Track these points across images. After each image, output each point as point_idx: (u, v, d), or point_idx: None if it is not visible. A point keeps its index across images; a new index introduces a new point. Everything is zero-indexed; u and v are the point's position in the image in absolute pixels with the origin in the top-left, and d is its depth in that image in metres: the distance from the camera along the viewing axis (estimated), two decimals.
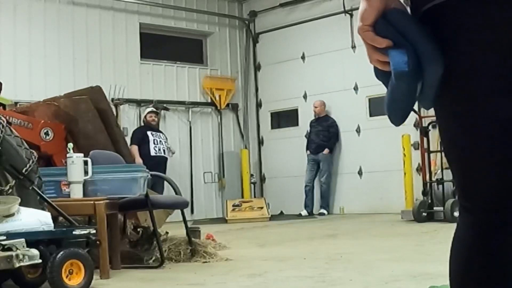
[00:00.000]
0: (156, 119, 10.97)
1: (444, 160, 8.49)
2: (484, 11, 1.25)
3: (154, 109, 11.05)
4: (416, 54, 1.25)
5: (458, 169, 1.36)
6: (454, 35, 1.28)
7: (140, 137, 10.58)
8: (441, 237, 6.42)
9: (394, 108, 1.34)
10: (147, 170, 5.16)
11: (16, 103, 8.04)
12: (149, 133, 10.69)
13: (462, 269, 1.37)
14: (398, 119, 1.36)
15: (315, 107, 11.72)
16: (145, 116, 10.95)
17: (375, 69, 1.34)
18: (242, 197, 12.39)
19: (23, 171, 4.27)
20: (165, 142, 10.88)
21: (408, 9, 1.33)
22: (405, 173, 9.75)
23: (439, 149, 9.05)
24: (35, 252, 3.76)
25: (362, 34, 1.29)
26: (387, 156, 10.91)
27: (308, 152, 11.78)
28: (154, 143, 10.64)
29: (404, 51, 1.24)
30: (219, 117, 12.88)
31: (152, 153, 10.51)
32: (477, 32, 1.26)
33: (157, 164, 10.02)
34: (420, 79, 1.28)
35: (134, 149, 10.04)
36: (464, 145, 1.33)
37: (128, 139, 9.76)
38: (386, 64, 1.28)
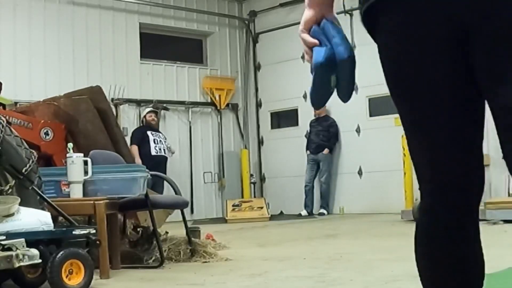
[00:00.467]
0: (155, 118, 10.96)
1: None
2: (391, 25, 1.48)
3: (153, 109, 11.05)
4: (332, 53, 1.60)
5: (412, 158, 1.60)
6: (380, 46, 1.54)
7: (140, 137, 10.58)
8: None
9: (313, 94, 1.69)
10: (147, 170, 5.16)
11: (16, 103, 8.04)
12: (149, 132, 10.69)
13: (419, 256, 1.55)
14: (316, 103, 1.72)
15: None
16: (145, 116, 10.95)
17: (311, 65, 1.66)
18: (242, 197, 12.39)
19: (23, 171, 4.27)
20: (165, 142, 10.88)
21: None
22: (405, 173, 9.75)
23: None
24: (35, 252, 3.76)
25: (300, 34, 1.66)
26: (387, 156, 10.91)
27: (308, 152, 11.78)
28: (154, 143, 10.64)
29: (323, 49, 1.61)
30: (219, 117, 12.89)
31: (153, 152, 10.51)
32: (386, 43, 1.52)
33: (158, 163, 10.02)
34: (335, 72, 1.62)
35: (134, 149, 10.04)
36: (409, 143, 1.61)
37: (128, 139, 9.76)
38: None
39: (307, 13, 1.64)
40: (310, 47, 1.64)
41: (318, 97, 1.70)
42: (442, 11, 1.40)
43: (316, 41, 1.63)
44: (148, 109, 11.02)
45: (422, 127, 1.50)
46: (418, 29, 1.43)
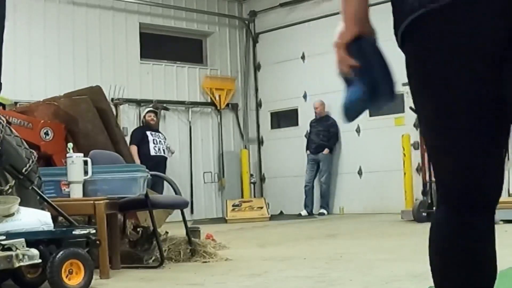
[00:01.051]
0: (155, 119, 10.96)
1: None
2: (438, 34, 1.46)
3: (153, 109, 11.05)
4: (372, 81, 1.57)
5: (434, 166, 1.58)
6: (418, 53, 1.52)
7: (140, 137, 10.58)
8: None
9: (347, 111, 1.65)
10: (147, 170, 5.15)
11: (16, 103, 8.04)
12: (148, 133, 10.69)
13: (438, 261, 1.57)
14: (350, 120, 1.67)
15: (316, 108, 11.72)
16: (144, 116, 10.95)
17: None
18: (242, 197, 12.38)
19: (23, 171, 4.27)
20: (164, 142, 10.88)
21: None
22: (405, 173, 9.75)
23: None
24: (35, 252, 3.76)
25: (336, 48, 1.61)
26: (387, 156, 10.91)
27: (308, 152, 11.78)
28: (153, 143, 10.64)
29: (360, 90, 1.58)
30: (219, 117, 12.88)
31: (152, 152, 10.51)
32: (433, 50, 1.49)
33: (157, 164, 10.02)
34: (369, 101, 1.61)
35: (133, 149, 10.03)
36: (429, 146, 1.59)
37: (127, 139, 9.75)
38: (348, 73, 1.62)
39: (344, 27, 1.61)
40: (349, 66, 1.60)
41: (354, 115, 1.67)
42: (499, 22, 1.40)
43: (356, 64, 1.59)
44: (147, 109, 11.01)
45: (452, 130, 1.50)
46: (470, 40, 1.43)
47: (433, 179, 8.91)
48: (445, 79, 1.47)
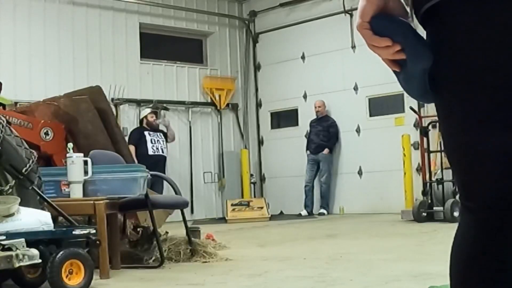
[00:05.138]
0: (155, 117, 10.99)
1: (444, 160, 8.50)
2: (482, 10, 1.24)
3: (154, 110, 11.05)
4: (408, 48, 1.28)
5: (459, 167, 1.35)
6: (453, 34, 1.29)
7: (137, 138, 10.59)
8: (441, 237, 6.42)
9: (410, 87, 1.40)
10: (147, 170, 5.16)
11: (16, 103, 8.04)
12: (146, 133, 10.70)
13: (463, 269, 1.36)
14: (428, 101, 1.41)
15: (318, 107, 11.72)
16: (145, 117, 10.94)
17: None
18: (242, 197, 12.38)
19: (23, 171, 4.27)
20: (163, 141, 10.88)
21: (408, 9, 1.34)
22: (405, 173, 9.75)
23: (439, 149, 9.06)
24: (35, 252, 3.76)
25: (361, 31, 1.30)
26: (387, 156, 10.91)
27: (308, 152, 11.78)
28: (151, 142, 10.66)
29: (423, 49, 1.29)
30: (219, 117, 12.88)
31: (150, 152, 10.51)
32: (475, 31, 1.26)
33: (155, 163, 10.01)
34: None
35: (131, 149, 10.03)
36: (466, 142, 1.32)
37: (127, 139, 9.75)
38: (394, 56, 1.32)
39: (365, 1, 1.29)
40: (380, 46, 1.30)
41: (422, 95, 1.40)
42: None
43: (388, 40, 1.29)
44: (148, 110, 11.01)
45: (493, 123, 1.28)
46: None
47: (433, 179, 8.95)
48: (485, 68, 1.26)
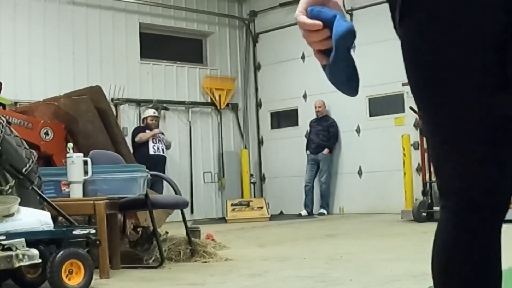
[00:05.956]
0: (156, 122, 11.04)
1: None
2: (432, 6, 1.28)
3: (156, 113, 11.08)
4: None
5: (437, 167, 1.37)
6: (407, 33, 1.33)
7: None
8: None
9: (342, 78, 1.43)
10: (147, 170, 5.16)
11: (16, 103, 8.04)
12: (147, 132, 10.76)
13: (444, 268, 1.38)
14: (353, 89, 1.42)
15: (319, 107, 11.72)
16: (146, 118, 10.98)
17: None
18: (242, 197, 12.39)
19: (23, 171, 4.27)
20: (163, 141, 10.91)
21: (344, 10, 1.46)
22: (405, 173, 9.75)
23: None
24: (35, 252, 3.76)
25: (298, 17, 1.42)
26: (387, 156, 10.91)
27: (308, 152, 11.79)
28: (152, 142, 10.71)
29: (343, 21, 1.37)
30: (219, 117, 12.88)
31: (151, 152, 10.58)
32: (425, 28, 1.29)
33: (156, 163, 10.05)
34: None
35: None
36: (433, 144, 1.35)
37: (128, 139, 9.76)
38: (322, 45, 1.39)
39: None
40: (310, 30, 1.39)
41: (349, 80, 1.43)
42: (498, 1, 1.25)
43: (317, 22, 1.38)
44: (151, 112, 11.03)
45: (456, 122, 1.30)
46: (468, 16, 1.26)
47: (433, 179, 8.95)
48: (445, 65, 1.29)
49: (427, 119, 1.35)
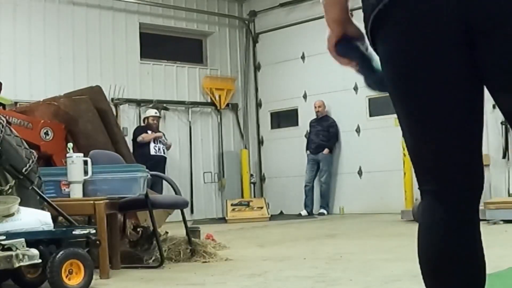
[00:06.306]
0: (157, 122, 11.04)
1: None
2: (388, 39, 1.53)
3: (157, 113, 11.09)
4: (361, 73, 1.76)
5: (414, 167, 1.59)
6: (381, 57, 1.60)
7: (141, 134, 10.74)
8: None
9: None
10: (147, 170, 5.16)
11: (16, 103, 8.04)
12: (149, 132, 10.76)
13: (435, 256, 1.54)
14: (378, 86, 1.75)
15: (318, 107, 11.72)
16: (147, 118, 10.98)
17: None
18: (242, 197, 12.39)
19: (23, 171, 4.27)
20: (164, 142, 10.92)
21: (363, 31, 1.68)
22: (405, 173, 9.75)
23: None
24: (35, 252, 3.76)
25: (331, 53, 1.74)
26: (387, 156, 10.91)
27: (308, 152, 11.79)
28: (154, 143, 10.71)
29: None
30: (219, 117, 12.88)
31: (152, 152, 10.58)
32: (386, 59, 1.56)
33: (157, 163, 10.06)
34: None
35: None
36: (407, 144, 1.60)
37: (128, 139, 9.76)
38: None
39: (329, 32, 1.73)
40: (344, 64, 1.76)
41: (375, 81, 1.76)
42: (452, 11, 1.43)
43: (348, 61, 1.75)
44: (153, 112, 11.04)
45: (427, 124, 1.52)
46: (428, 27, 1.46)
47: None
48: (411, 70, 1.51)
49: (405, 118, 1.59)
